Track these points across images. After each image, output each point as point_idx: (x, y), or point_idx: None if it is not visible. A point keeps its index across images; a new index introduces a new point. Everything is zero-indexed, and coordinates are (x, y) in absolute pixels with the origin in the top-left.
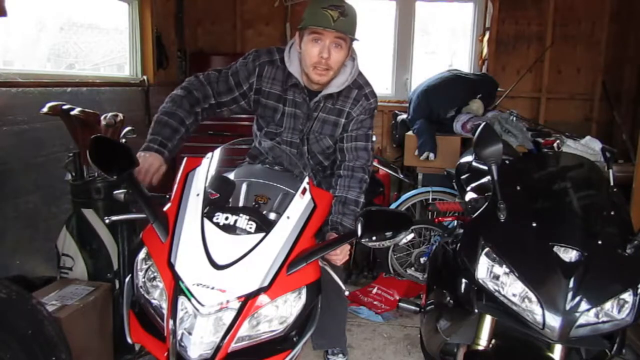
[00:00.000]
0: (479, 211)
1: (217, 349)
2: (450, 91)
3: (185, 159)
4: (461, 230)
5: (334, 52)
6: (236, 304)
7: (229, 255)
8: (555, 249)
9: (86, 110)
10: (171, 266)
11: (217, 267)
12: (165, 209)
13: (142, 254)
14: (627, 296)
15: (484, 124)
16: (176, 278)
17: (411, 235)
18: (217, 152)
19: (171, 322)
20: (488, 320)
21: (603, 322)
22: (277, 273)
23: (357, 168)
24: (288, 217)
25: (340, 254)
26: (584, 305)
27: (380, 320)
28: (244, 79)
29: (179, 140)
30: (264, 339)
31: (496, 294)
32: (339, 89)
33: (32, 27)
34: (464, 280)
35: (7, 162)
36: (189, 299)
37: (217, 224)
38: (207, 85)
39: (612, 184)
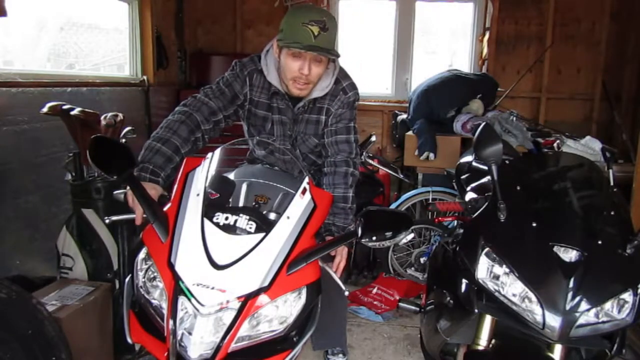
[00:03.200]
0: (479, 211)
1: (217, 349)
2: (450, 91)
3: (185, 159)
4: (461, 230)
5: (314, 67)
6: (236, 304)
7: (229, 255)
8: (555, 249)
9: (86, 110)
10: (171, 266)
11: (217, 267)
12: (165, 209)
13: (142, 254)
14: (627, 296)
15: (484, 124)
16: (176, 278)
17: (411, 235)
18: (217, 152)
19: (171, 322)
20: (488, 320)
21: (603, 322)
22: (277, 273)
23: (340, 162)
24: (288, 217)
25: (340, 257)
26: (584, 305)
27: (380, 320)
28: (239, 90)
29: (172, 170)
30: (264, 339)
31: (496, 294)
32: (323, 92)
33: (32, 27)
34: (464, 280)
35: (7, 162)
36: (189, 299)
37: (217, 224)
38: (211, 101)
39: (612, 184)
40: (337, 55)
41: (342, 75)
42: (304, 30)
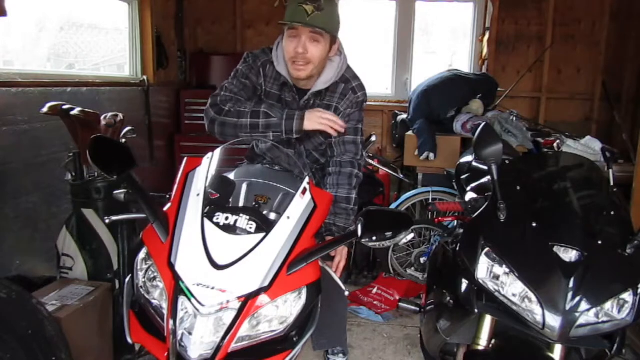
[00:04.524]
0: (479, 211)
1: (217, 349)
2: (450, 91)
3: (185, 159)
4: (461, 230)
5: (311, 47)
6: (236, 304)
7: (229, 255)
8: (555, 249)
9: (86, 110)
10: (171, 266)
11: (218, 267)
12: (165, 209)
13: (142, 254)
14: (627, 296)
15: (484, 124)
16: (176, 278)
17: (411, 235)
18: (217, 152)
19: (171, 322)
20: (488, 320)
21: (603, 322)
22: (277, 273)
23: (345, 163)
24: (288, 217)
25: (339, 257)
26: (584, 305)
27: (380, 320)
28: (256, 81)
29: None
30: (264, 339)
31: (496, 294)
32: (326, 85)
33: (32, 27)
34: (464, 280)
35: (7, 162)
36: (189, 299)
37: (217, 224)
38: (238, 95)
39: (612, 184)
40: (329, 32)
41: (352, 76)
42: (299, 9)
